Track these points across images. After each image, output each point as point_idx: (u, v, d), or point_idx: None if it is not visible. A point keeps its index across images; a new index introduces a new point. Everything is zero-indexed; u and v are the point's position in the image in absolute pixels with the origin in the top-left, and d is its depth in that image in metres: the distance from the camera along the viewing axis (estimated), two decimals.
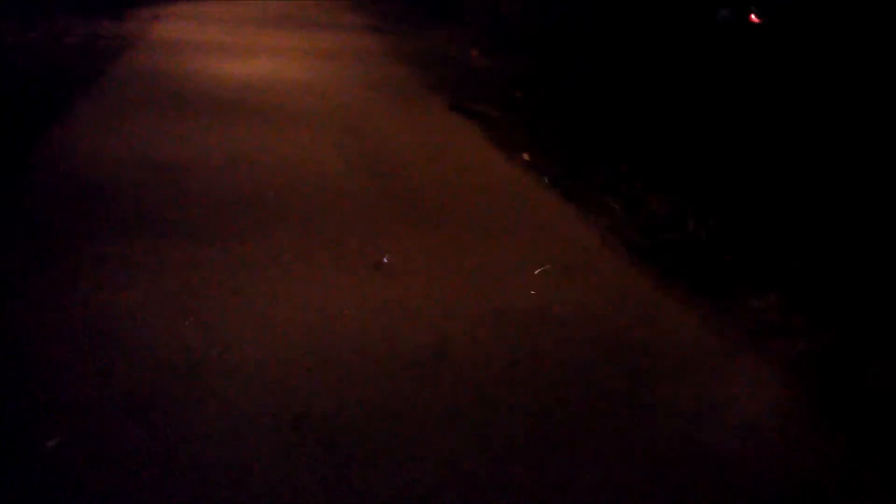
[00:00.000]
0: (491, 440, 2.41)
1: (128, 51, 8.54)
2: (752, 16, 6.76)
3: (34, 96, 6.21)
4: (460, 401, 2.60)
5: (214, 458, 2.24)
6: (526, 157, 5.64)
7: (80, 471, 2.15)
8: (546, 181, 5.13)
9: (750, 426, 2.59)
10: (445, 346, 2.93)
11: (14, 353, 2.72)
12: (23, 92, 6.34)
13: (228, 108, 6.32)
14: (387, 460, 2.29)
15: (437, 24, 11.93)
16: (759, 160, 5.34)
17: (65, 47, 8.64)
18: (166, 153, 5.02)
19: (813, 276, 3.84)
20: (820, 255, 4.06)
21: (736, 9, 6.84)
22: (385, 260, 3.65)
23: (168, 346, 2.80)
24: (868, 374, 2.96)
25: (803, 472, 2.37)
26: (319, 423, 2.43)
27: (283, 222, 4.02)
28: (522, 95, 7.86)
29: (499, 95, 7.63)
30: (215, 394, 2.55)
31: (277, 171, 4.86)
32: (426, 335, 3.00)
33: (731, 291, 3.68)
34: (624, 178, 5.32)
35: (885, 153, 4.69)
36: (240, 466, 2.22)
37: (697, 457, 2.40)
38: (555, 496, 2.19)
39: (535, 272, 3.47)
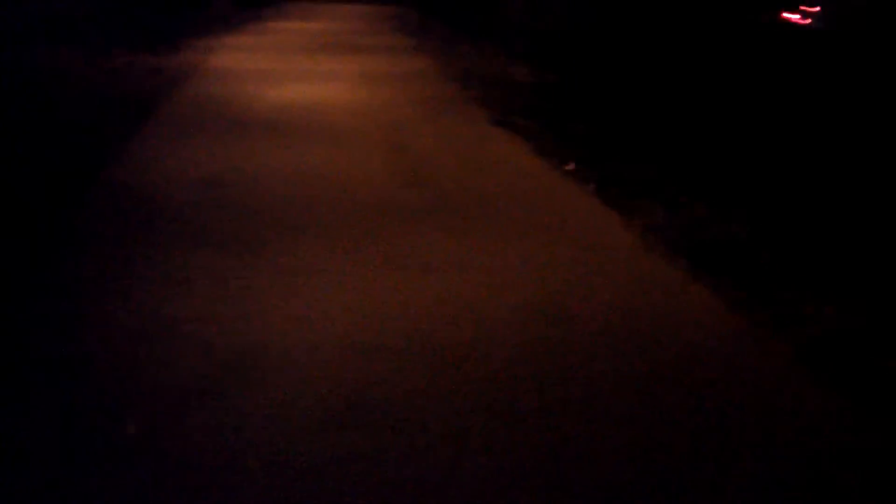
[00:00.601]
0: (513, 426, 2.58)
1: (186, 80, 8.94)
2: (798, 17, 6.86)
3: (102, 121, 6.59)
4: (494, 387, 2.78)
5: (270, 442, 2.44)
6: (569, 167, 5.81)
7: (150, 459, 2.36)
8: (590, 188, 5.30)
9: (767, 399, 2.72)
10: (485, 339, 3.11)
11: (96, 349, 2.97)
12: (91, 117, 6.72)
13: (282, 129, 6.62)
14: (429, 434, 2.47)
15: (481, 44, 12.20)
16: (804, 165, 5.44)
17: (126, 79, 9.06)
18: (222, 172, 5.31)
19: (844, 271, 3.95)
20: (853, 255, 4.17)
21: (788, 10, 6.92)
22: (431, 265, 3.85)
23: (231, 342, 3.04)
24: (887, 358, 3.08)
25: (819, 440, 2.51)
26: (368, 408, 2.63)
27: (335, 233, 4.26)
28: (565, 108, 8.04)
29: (541, 109, 7.83)
30: (275, 381, 2.77)
31: (327, 186, 5.11)
32: (468, 330, 3.19)
33: (764, 285, 3.81)
34: (667, 183, 5.46)
35: None
36: (296, 449, 2.42)
37: (712, 428, 2.55)
38: (575, 462, 2.36)
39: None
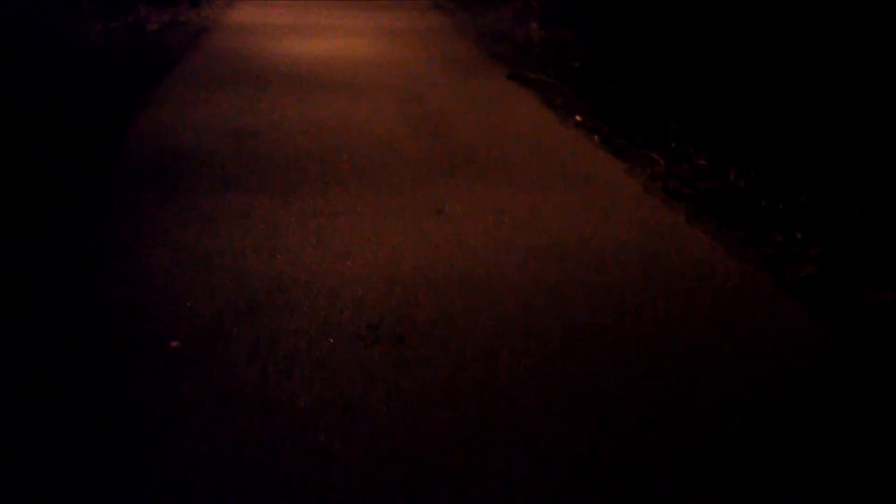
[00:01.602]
0: (531, 339, 2.87)
1: (207, 34, 9.16)
2: None
3: (126, 77, 6.83)
4: (508, 311, 3.07)
5: (305, 351, 2.74)
6: (578, 118, 6.04)
7: (196, 368, 2.66)
8: (596, 139, 5.54)
9: (759, 333, 2.99)
10: (497, 274, 3.38)
11: (137, 280, 3.26)
12: (115, 74, 6.96)
13: (302, 82, 6.86)
14: (444, 355, 2.76)
15: (501, 1, 12.31)
16: (805, 117, 5.62)
17: (148, 34, 9.28)
18: (248, 122, 5.57)
19: (835, 218, 4.18)
20: (846, 203, 4.39)
21: None
22: (446, 206, 4.11)
23: (262, 272, 3.33)
24: (865, 295, 3.33)
25: (806, 368, 2.78)
26: (389, 328, 2.91)
27: (355, 178, 4.52)
28: (580, 65, 8.21)
29: (556, 65, 8.01)
30: (303, 306, 3.06)
31: (349, 136, 5.36)
32: (480, 266, 3.46)
33: (759, 228, 4.06)
34: (673, 136, 5.67)
35: None
36: (325, 358, 2.71)
37: (712, 350, 2.82)
38: (580, 381, 2.64)
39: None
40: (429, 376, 2.63)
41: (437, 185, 4.44)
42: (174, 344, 2.80)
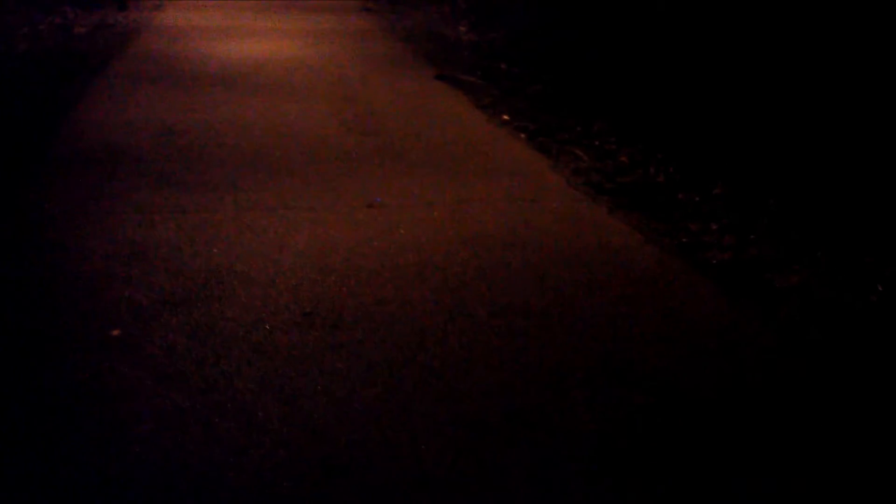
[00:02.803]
0: (458, 319, 3.02)
1: (136, 37, 9.13)
2: None
3: (54, 79, 6.81)
4: (437, 295, 3.22)
5: (240, 339, 2.84)
6: (505, 117, 6.22)
7: (137, 351, 2.75)
8: (522, 137, 5.72)
9: (673, 311, 3.19)
10: (427, 262, 3.53)
11: (73, 271, 3.33)
12: (42, 75, 6.93)
13: (233, 83, 6.92)
14: (377, 337, 2.89)
15: (429, 4, 12.48)
16: (721, 114, 5.87)
17: (76, 36, 9.21)
18: (179, 122, 5.62)
19: (749, 208, 4.42)
20: (760, 195, 4.63)
21: None
22: (378, 200, 4.24)
23: (198, 264, 3.42)
24: (775, 278, 3.56)
25: (715, 341, 2.98)
26: (324, 314, 3.03)
27: (287, 175, 4.62)
28: (506, 66, 8.41)
29: (484, 66, 8.19)
30: (238, 295, 3.16)
31: (281, 133, 5.46)
32: (411, 254, 3.60)
33: (676, 219, 4.27)
34: (597, 135, 5.88)
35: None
36: (261, 343, 2.82)
37: (630, 329, 3.00)
38: (503, 353, 2.79)
39: None
40: (361, 357, 2.76)
41: (368, 179, 4.57)
42: (115, 332, 2.88)
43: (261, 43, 8.94)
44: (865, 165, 4.60)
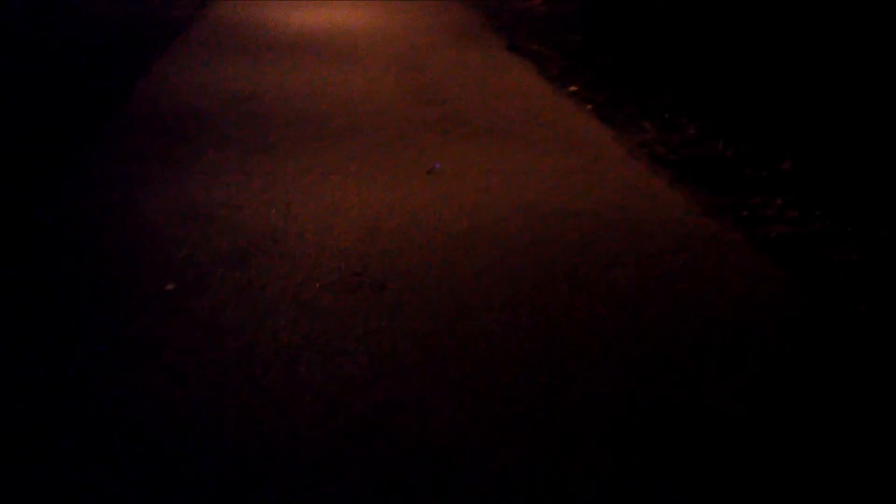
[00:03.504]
0: (504, 285, 3.04)
1: (212, 3, 9.28)
2: None
3: (131, 44, 6.98)
4: (485, 261, 3.24)
5: (289, 297, 2.91)
6: (573, 88, 6.17)
7: (189, 306, 2.84)
8: (589, 108, 5.67)
9: (727, 284, 3.15)
10: (478, 229, 3.55)
11: (135, 229, 3.44)
12: (120, 40, 7.12)
13: (304, 49, 7.01)
14: (421, 300, 2.93)
15: None
16: (797, 89, 5.73)
17: (155, 3, 9.41)
18: (248, 87, 5.73)
19: (816, 185, 4.32)
20: (829, 172, 4.53)
21: None
22: (437, 166, 4.27)
23: (255, 224, 3.50)
24: (834, 255, 3.48)
25: (768, 315, 2.94)
26: (372, 276, 3.08)
27: (350, 140, 4.67)
28: (580, 38, 8.32)
29: (556, 38, 8.12)
30: (291, 255, 3.24)
31: (346, 100, 5.52)
32: (463, 221, 3.63)
33: (740, 194, 4.20)
34: (667, 108, 5.79)
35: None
36: (309, 301, 2.88)
37: (687, 302, 2.98)
38: (558, 326, 2.80)
39: None
40: (404, 319, 2.80)
41: (428, 147, 4.60)
42: (169, 287, 2.97)
43: (332, 11, 9.02)
44: None
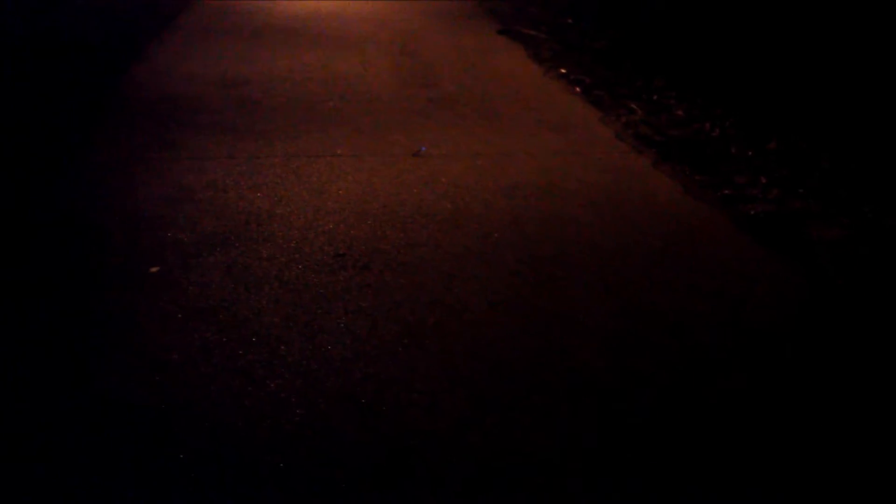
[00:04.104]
0: (486, 265, 3.07)
1: None
2: None
3: (122, 31, 6.99)
4: (469, 241, 3.27)
5: (273, 278, 2.94)
6: (563, 70, 6.19)
7: (173, 287, 2.87)
8: (577, 91, 5.69)
9: (707, 259, 3.19)
10: (463, 210, 3.58)
11: (122, 212, 3.47)
12: (112, 27, 7.13)
13: (297, 36, 7.02)
14: (404, 279, 2.96)
15: None
16: (784, 73, 5.74)
17: None
18: (238, 73, 5.75)
19: (800, 164, 4.35)
20: (814, 151, 4.55)
21: None
22: (423, 149, 4.29)
23: (241, 206, 3.53)
24: (814, 231, 3.51)
25: (746, 287, 2.97)
26: (356, 256, 3.12)
27: (339, 124, 4.70)
28: (572, 21, 8.33)
29: (549, 22, 8.13)
30: (276, 236, 3.26)
31: (338, 85, 5.54)
32: (449, 202, 3.66)
33: (724, 173, 4.23)
34: (657, 90, 5.81)
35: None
36: (292, 281, 2.92)
37: (655, 271, 3.02)
38: (539, 303, 2.84)
39: None
40: (387, 297, 2.84)
41: (417, 130, 4.62)
42: (154, 269, 3.00)
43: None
44: None
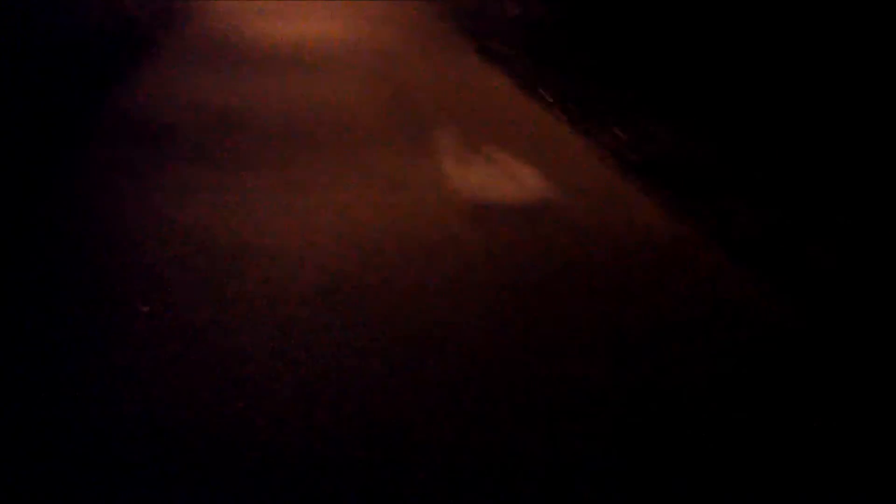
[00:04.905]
0: (467, 297, 3.11)
1: (192, 17, 9.31)
2: None
3: (108, 58, 6.99)
4: (454, 272, 3.31)
5: (262, 313, 2.96)
6: (540, 91, 6.24)
7: (165, 326, 2.88)
8: (556, 111, 5.74)
9: (689, 282, 3.23)
10: (447, 238, 3.61)
11: (105, 247, 3.47)
12: (98, 54, 7.12)
13: (278, 62, 7.05)
14: (390, 310, 2.98)
15: None
16: (767, 95, 5.80)
17: (135, 17, 9.40)
18: (221, 99, 5.76)
19: (784, 190, 4.39)
20: (798, 177, 4.60)
21: None
22: (406, 179, 4.32)
23: (226, 239, 3.54)
24: (806, 254, 3.57)
25: (727, 312, 3.01)
26: (345, 290, 3.14)
27: (320, 152, 4.73)
28: (548, 40, 8.39)
29: (525, 40, 8.20)
30: (264, 269, 3.28)
31: (318, 111, 5.57)
32: (434, 231, 3.69)
33: (706, 196, 4.27)
34: (636, 110, 5.86)
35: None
36: (280, 318, 2.93)
37: (635, 295, 3.05)
38: (519, 330, 2.87)
39: None
40: (373, 330, 2.86)
41: (397, 157, 4.66)
42: (145, 309, 3.01)
43: (310, 24, 9.06)
44: None
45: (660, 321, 2.97)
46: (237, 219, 3.77)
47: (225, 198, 4.01)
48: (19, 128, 4.97)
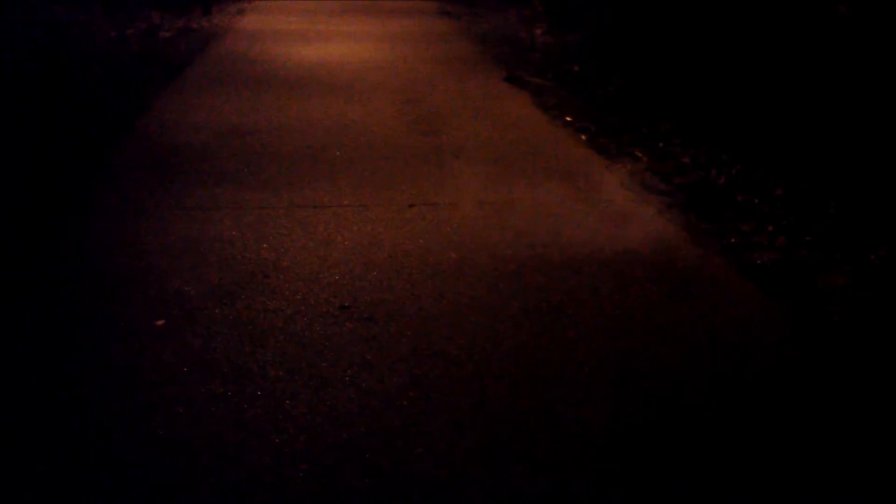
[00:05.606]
0: (491, 318, 3.07)
1: (216, 40, 9.42)
2: None
3: (135, 81, 7.08)
4: (475, 292, 3.28)
5: (278, 330, 2.95)
6: (568, 118, 6.23)
7: (178, 340, 2.87)
8: (583, 138, 5.72)
9: (710, 309, 3.18)
10: (467, 260, 3.59)
11: (128, 264, 3.49)
12: (125, 78, 7.22)
13: (304, 84, 7.10)
14: (409, 331, 2.96)
15: (507, 6, 12.52)
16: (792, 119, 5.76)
17: (160, 40, 9.54)
18: (248, 121, 5.80)
19: (808, 212, 4.34)
20: (822, 198, 4.55)
21: None
22: (429, 200, 4.31)
23: (247, 259, 3.54)
24: (820, 280, 3.51)
25: (749, 337, 2.96)
26: (361, 308, 3.12)
27: (345, 174, 4.73)
28: (578, 68, 8.39)
29: (555, 68, 8.20)
30: (282, 289, 3.27)
31: (344, 133, 5.58)
32: (453, 252, 3.67)
33: (729, 220, 4.23)
34: (662, 136, 5.83)
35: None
36: (298, 334, 2.92)
37: (655, 322, 3.01)
38: (542, 353, 2.83)
39: None
40: (391, 350, 2.84)
41: (422, 179, 4.65)
42: (160, 323, 3.01)
43: (335, 46, 9.13)
44: None
45: (667, 341, 2.92)
46: (256, 237, 3.78)
47: (245, 216, 4.02)
48: (47, 150, 5.03)
